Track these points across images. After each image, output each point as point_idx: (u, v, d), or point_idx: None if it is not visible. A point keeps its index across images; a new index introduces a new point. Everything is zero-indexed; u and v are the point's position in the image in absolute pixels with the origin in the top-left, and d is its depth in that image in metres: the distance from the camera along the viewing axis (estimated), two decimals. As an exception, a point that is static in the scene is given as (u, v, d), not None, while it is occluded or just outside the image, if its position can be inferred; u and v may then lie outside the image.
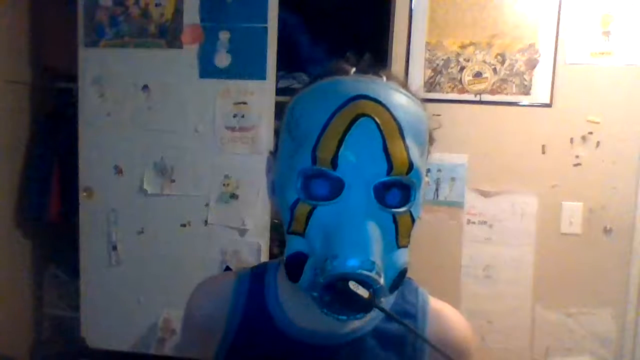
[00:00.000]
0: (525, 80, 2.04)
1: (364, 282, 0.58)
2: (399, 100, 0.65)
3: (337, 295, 0.59)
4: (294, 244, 0.64)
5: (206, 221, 2.22)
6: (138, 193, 2.25)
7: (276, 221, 2.61)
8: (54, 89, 2.57)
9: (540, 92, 2.03)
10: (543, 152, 2.05)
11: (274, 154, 0.73)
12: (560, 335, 2.07)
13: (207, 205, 2.22)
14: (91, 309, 2.32)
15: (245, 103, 2.16)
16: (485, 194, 2.09)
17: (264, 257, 2.22)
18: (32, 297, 2.64)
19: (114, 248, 2.29)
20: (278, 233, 2.62)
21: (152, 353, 2.30)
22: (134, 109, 2.24)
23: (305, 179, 0.63)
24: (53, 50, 2.54)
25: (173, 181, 2.24)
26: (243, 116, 2.17)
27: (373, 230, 0.60)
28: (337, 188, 0.62)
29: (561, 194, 2.04)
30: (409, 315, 0.74)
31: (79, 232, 2.31)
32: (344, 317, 0.61)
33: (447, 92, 2.07)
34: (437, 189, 2.10)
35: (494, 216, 2.09)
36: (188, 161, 2.22)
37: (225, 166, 2.20)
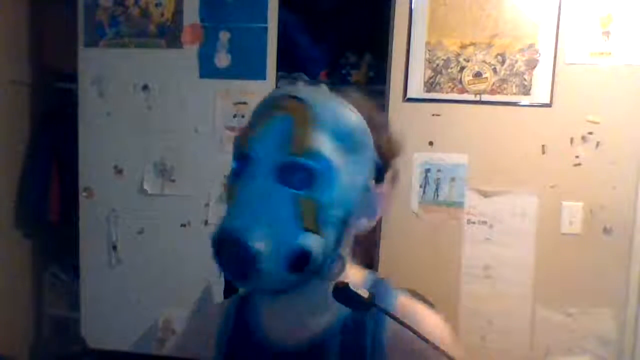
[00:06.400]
0: (525, 80, 2.04)
1: (239, 242, 0.65)
2: (326, 102, 0.72)
3: (338, 293, 0.65)
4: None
5: (206, 221, 2.22)
6: (138, 193, 2.25)
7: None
8: (54, 89, 2.57)
9: (540, 92, 2.03)
10: (543, 152, 2.05)
11: None
12: (560, 335, 2.07)
13: (207, 205, 2.22)
14: (91, 309, 2.32)
15: (245, 103, 2.16)
16: (485, 194, 2.09)
17: (264, 257, 2.21)
18: (32, 297, 2.63)
19: (114, 248, 2.29)
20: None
21: (152, 353, 2.30)
22: (134, 109, 2.24)
23: (235, 160, 0.74)
24: (53, 50, 2.54)
25: (173, 181, 2.24)
26: (243, 116, 2.17)
27: (266, 202, 0.67)
28: (248, 164, 0.70)
29: (561, 194, 2.04)
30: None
31: (79, 232, 2.30)
32: (238, 279, 0.69)
33: (447, 92, 2.07)
34: (437, 189, 2.10)
35: (494, 216, 2.08)
36: (188, 161, 2.22)
37: (225, 166, 2.17)
